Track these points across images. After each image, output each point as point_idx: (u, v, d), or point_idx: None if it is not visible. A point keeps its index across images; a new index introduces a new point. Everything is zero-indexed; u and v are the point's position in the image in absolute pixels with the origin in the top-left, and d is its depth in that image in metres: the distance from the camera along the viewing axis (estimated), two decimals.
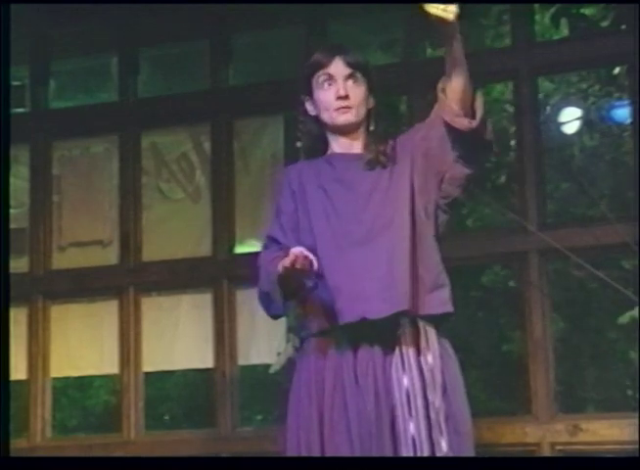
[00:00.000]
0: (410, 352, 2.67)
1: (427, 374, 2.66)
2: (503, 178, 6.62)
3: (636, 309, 4.20)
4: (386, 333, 2.67)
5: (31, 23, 4.92)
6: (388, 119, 2.95)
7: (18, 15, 3.71)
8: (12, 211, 4.58)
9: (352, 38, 5.07)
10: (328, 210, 2.77)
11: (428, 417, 2.62)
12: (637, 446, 3.85)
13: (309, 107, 2.86)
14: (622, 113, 6.21)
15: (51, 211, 5.04)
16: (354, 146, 2.86)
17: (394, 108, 5.22)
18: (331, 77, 2.81)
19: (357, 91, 2.81)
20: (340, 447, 2.63)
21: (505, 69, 4.51)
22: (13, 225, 4.44)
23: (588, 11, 4.95)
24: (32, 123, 5.12)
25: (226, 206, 4.75)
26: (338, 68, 2.81)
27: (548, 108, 6.49)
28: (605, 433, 4.10)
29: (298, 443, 2.70)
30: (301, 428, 2.70)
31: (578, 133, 6.70)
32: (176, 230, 4.86)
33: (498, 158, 6.69)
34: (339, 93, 2.78)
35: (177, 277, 4.79)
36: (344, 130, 2.84)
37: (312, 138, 2.90)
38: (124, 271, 4.88)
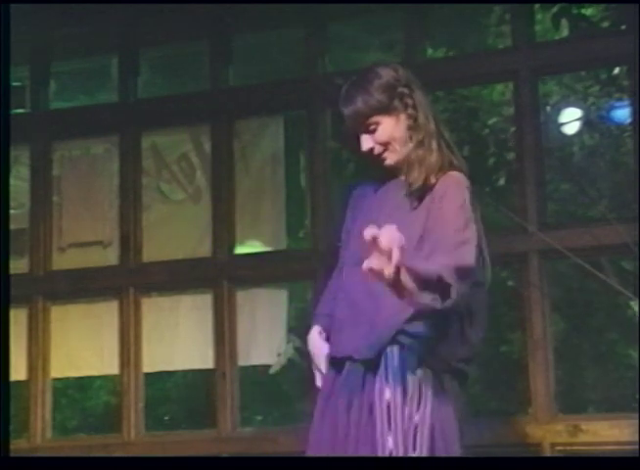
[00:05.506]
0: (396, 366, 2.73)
1: (410, 389, 2.69)
2: (503, 178, 6.63)
3: (636, 309, 4.20)
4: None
5: (32, 24, 4.92)
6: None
7: (18, 15, 3.72)
8: (12, 211, 4.58)
9: (352, 39, 5.08)
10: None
11: (404, 431, 2.64)
12: (637, 447, 3.84)
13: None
14: (622, 113, 6.22)
15: (51, 211, 5.04)
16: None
17: None
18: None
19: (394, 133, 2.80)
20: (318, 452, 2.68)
21: (505, 69, 4.50)
22: (13, 226, 4.43)
23: (589, 11, 4.95)
24: (33, 124, 5.12)
25: (226, 206, 4.74)
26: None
27: (548, 108, 6.50)
28: (605, 433, 4.09)
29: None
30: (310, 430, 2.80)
31: (578, 134, 6.71)
32: (176, 231, 4.86)
33: (498, 158, 6.70)
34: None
35: (177, 278, 4.78)
36: (389, 170, 2.86)
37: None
38: (124, 272, 4.87)
